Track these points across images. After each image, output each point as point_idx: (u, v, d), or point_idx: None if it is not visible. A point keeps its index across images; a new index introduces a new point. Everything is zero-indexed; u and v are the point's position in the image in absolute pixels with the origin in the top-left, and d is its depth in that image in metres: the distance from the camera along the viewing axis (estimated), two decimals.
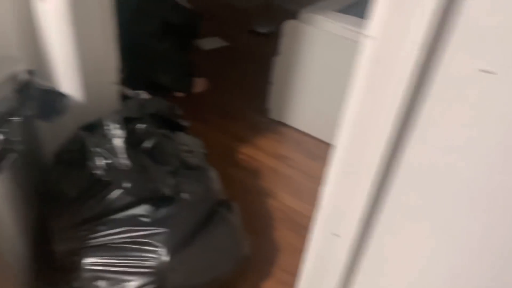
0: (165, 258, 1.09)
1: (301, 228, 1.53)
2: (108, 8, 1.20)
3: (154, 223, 1.13)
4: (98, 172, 1.08)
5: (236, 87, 2.36)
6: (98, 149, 1.08)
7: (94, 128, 1.14)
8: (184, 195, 1.17)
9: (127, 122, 1.12)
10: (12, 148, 0.91)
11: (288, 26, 1.86)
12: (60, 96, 1.06)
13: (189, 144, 1.30)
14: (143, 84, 1.84)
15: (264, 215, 1.61)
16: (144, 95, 1.73)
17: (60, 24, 1.10)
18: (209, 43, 2.67)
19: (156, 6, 2.06)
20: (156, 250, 1.09)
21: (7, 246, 1.07)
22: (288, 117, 2.08)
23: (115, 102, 1.36)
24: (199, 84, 2.27)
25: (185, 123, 1.36)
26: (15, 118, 0.93)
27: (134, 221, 1.13)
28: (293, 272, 1.13)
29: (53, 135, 1.18)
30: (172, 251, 1.10)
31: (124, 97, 1.37)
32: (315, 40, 1.81)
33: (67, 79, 1.19)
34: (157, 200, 1.14)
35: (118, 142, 1.08)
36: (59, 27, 1.10)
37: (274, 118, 2.12)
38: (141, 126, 1.15)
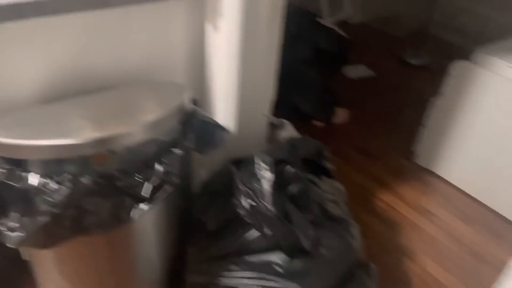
0: None
1: None
2: (276, 41, 1.17)
3: (287, 275, 1.04)
4: (241, 211, 1.04)
5: (380, 122, 2.19)
6: (244, 188, 1.04)
7: (244, 164, 1.10)
8: (323, 250, 1.07)
9: (276, 163, 1.07)
10: (169, 181, 0.91)
11: (458, 66, 1.64)
12: (219, 128, 1.04)
13: (333, 192, 1.19)
14: (286, 109, 1.82)
15: (399, 280, 1.42)
16: (287, 125, 1.70)
17: (229, 54, 1.09)
18: (355, 71, 2.54)
19: (312, 32, 2.01)
20: None
21: (148, 269, 1.10)
22: (439, 166, 1.84)
23: (264, 134, 1.33)
24: (340, 115, 2.16)
25: (330, 166, 1.26)
26: (176, 150, 0.93)
27: (268, 268, 1.06)
28: None
29: (202, 164, 1.19)
30: None
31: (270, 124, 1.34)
32: (489, 85, 1.56)
33: (223, 109, 1.19)
34: (294, 250, 1.06)
35: (266, 185, 1.02)
36: (227, 57, 1.10)
37: (421, 164, 1.89)
38: (290, 169, 1.08)
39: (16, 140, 0.80)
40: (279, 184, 1.05)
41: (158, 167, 0.90)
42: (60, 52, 0.97)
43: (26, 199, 0.85)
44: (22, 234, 0.86)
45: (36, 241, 0.86)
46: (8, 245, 0.86)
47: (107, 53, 1.04)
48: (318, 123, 2.12)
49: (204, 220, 1.10)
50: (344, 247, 1.09)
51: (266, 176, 1.03)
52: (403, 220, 1.64)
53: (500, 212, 1.68)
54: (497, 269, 1.42)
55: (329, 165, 1.23)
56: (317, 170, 1.19)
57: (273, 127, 1.46)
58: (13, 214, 0.86)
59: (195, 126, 1.00)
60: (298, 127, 1.69)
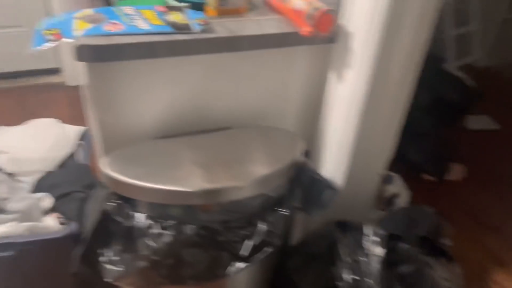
0: None
1: None
2: (406, 96, 1.05)
3: None
4: (340, 284, 0.93)
5: (500, 186, 1.92)
6: (348, 259, 0.93)
7: (350, 229, 1.00)
8: None
9: (389, 237, 0.94)
10: (270, 241, 0.84)
11: None
12: (329, 187, 0.95)
13: (450, 278, 1.03)
14: (394, 158, 1.66)
15: None
16: (397, 179, 1.55)
17: (352, 106, 1.00)
18: (477, 123, 2.28)
19: (434, 78, 1.84)
20: None
21: None
22: None
23: (374, 193, 1.21)
24: (455, 172, 1.93)
25: (449, 244, 1.09)
26: (282, 210, 0.87)
27: None
28: None
29: (301, 221, 1.11)
30: None
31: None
32: None
33: (334, 162, 1.10)
34: None
35: (375, 261, 0.91)
36: (349, 109, 1.01)
37: None
38: (403, 246, 0.95)
39: (130, 180, 0.80)
40: (389, 262, 0.93)
41: (261, 225, 0.84)
42: (183, 90, 0.97)
43: (130, 237, 0.84)
44: (121, 270, 0.85)
45: (132, 280, 0.85)
46: (105, 279, 0.86)
47: (225, 94, 1.02)
48: (429, 178, 1.92)
49: (297, 281, 1.02)
50: None
51: (375, 251, 0.91)
52: None
53: None
54: None
55: (448, 245, 1.06)
56: (433, 249, 1.04)
57: (380, 180, 1.33)
58: (116, 248, 0.86)
59: (304, 182, 0.93)
60: (405, 180, 1.53)
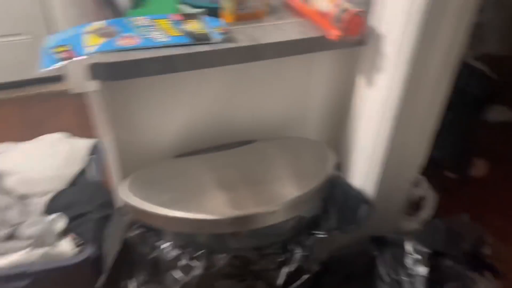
0: None
1: None
2: (441, 100, 0.98)
3: None
4: None
5: None
6: (389, 279, 0.87)
7: (386, 245, 0.93)
8: None
9: (431, 254, 0.88)
10: (308, 268, 0.78)
11: None
12: (364, 202, 0.88)
13: None
14: None
15: None
16: (422, 181, 1.48)
17: (384, 113, 0.93)
18: (497, 114, 2.19)
19: None
20: None
21: None
22: None
23: (406, 203, 1.14)
24: (478, 167, 1.86)
25: (490, 255, 1.02)
26: (318, 233, 0.80)
27: None
28: None
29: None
30: None
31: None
32: None
33: (364, 173, 1.03)
34: None
35: (419, 281, 0.84)
36: (381, 116, 0.94)
37: None
38: (447, 263, 0.88)
39: (153, 208, 0.73)
40: (433, 280, 0.86)
41: (297, 251, 0.77)
42: (203, 103, 0.90)
43: (156, 267, 0.78)
44: None
45: None
46: None
47: (247, 104, 0.95)
48: (451, 175, 1.84)
49: None
50: None
51: (419, 270, 0.85)
52: None
53: None
54: None
55: (491, 256, 1.00)
56: (476, 262, 0.97)
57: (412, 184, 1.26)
58: (140, 279, 0.80)
59: (339, 199, 0.86)
60: (427, 180, 1.46)
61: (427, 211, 1.40)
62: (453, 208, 1.47)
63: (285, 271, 0.76)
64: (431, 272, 0.86)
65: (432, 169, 1.66)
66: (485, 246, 1.01)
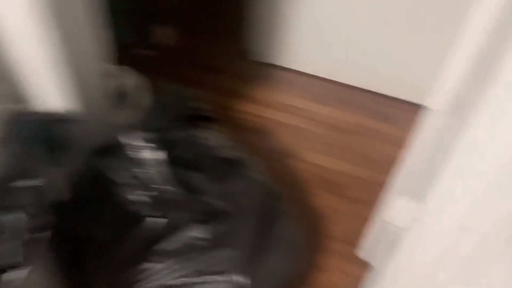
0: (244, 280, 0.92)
1: (340, 187, 1.42)
2: None
3: (214, 244, 0.94)
4: (137, 207, 0.84)
5: (209, 32, 2.00)
6: (131, 180, 0.83)
7: (110, 150, 0.86)
8: (238, 201, 0.97)
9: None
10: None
11: None
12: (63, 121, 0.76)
13: (217, 136, 1.06)
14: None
15: (291, 181, 1.45)
16: (128, 71, 1.40)
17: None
18: None
19: None
20: (230, 277, 0.92)
21: None
22: (281, 57, 1.81)
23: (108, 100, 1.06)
24: (166, 36, 1.89)
25: (206, 109, 1.09)
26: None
27: (189, 248, 0.93)
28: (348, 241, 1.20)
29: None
30: (249, 273, 0.93)
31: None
32: None
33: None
34: (211, 217, 0.94)
35: (162, 165, 0.82)
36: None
37: (263, 61, 1.85)
38: (174, 134, 0.89)
39: None
40: (171, 159, 0.87)
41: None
42: None
43: None
44: None
45: None
46: None
47: None
48: (143, 51, 1.83)
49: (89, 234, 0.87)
50: (256, 189, 1.02)
51: (157, 156, 0.82)
52: (269, 123, 1.63)
53: (359, 86, 1.75)
54: (380, 140, 1.56)
55: (202, 109, 1.06)
56: (193, 119, 1.02)
57: (107, 77, 1.16)
58: None
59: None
60: (119, 64, 1.39)
61: (137, 97, 1.36)
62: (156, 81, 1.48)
63: None
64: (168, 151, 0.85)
65: (122, 52, 1.56)
66: (195, 100, 1.07)
